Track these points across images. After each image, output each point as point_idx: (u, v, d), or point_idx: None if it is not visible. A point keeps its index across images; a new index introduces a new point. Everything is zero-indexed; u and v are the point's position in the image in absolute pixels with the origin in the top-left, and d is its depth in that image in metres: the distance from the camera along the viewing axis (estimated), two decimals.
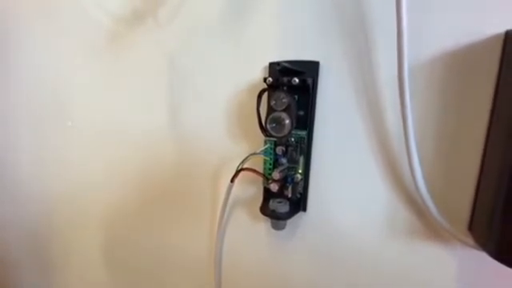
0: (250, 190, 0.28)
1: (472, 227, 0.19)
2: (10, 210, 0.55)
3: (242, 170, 0.25)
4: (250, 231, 0.28)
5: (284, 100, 0.21)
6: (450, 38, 0.19)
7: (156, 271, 0.37)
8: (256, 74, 0.25)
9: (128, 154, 0.34)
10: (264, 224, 0.27)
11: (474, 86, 0.18)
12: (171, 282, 0.35)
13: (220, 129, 0.27)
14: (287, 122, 0.21)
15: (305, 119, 0.23)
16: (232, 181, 0.26)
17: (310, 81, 0.22)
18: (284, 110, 0.21)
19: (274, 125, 0.21)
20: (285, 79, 0.21)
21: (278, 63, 0.22)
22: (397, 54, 0.18)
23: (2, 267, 0.66)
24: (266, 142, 0.24)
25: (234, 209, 0.29)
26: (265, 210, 0.25)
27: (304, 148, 0.24)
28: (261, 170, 0.25)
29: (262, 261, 0.28)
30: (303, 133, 0.23)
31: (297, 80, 0.21)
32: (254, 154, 0.25)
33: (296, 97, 0.23)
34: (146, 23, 0.30)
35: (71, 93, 0.38)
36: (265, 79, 0.22)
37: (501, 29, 0.17)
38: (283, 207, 0.24)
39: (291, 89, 0.22)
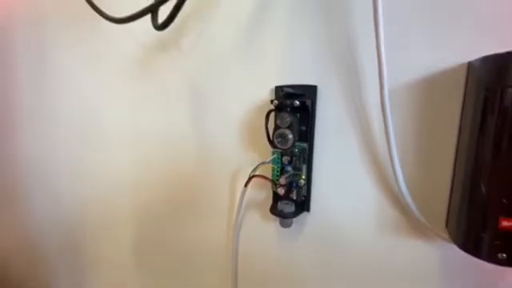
0: (261, 193, 0.32)
1: (447, 224, 0.23)
2: (49, 211, 0.63)
3: (253, 176, 0.30)
4: (261, 229, 0.33)
5: (287, 119, 0.25)
6: (422, 67, 0.23)
7: (180, 264, 0.41)
8: (264, 94, 0.30)
9: (153, 162, 0.39)
10: (273, 223, 0.32)
11: (445, 106, 0.22)
12: (194, 273, 0.40)
13: (234, 141, 0.32)
14: (290, 136, 0.25)
15: (306, 133, 0.27)
16: (245, 186, 0.30)
17: (309, 102, 0.26)
18: (288, 127, 0.25)
19: (279, 139, 0.26)
20: (288, 101, 0.26)
21: (281, 88, 0.26)
22: (378, 81, 0.22)
23: (40, 258, 0.73)
24: (273, 153, 0.29)
25: (248, 210, 0.33)
26: (274, 210, 0.29)
27: (306, 157, 0.28)
28: (270, 177, 0.29)
29: (272, 254, 0.32)
30: (305, 145, 0.27)
31: (298, 102, 0.25)
32: (264, 163, 0.29)
33: (298, 115, 0.27)
34: (170, 50, 0.36)
35: (104, 108, 0.44)
36: (271, 101, 0.27)
37: (464, 60, 0.21)
38: (289, 208, 0.28)
39: (293, 109, 0.26)
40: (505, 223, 0.18)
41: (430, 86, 0.22)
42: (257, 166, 0.29)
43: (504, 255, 0.18)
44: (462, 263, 0.23)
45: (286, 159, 0.28)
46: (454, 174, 0.22)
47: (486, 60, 0.18)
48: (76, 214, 0.58)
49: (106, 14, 0.32)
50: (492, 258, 0.18)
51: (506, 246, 0.18)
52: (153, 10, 0.27)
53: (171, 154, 0.38)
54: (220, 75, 0.32)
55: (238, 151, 0.32)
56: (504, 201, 0.17)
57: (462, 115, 0.22)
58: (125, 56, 0.40)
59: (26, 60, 0.60)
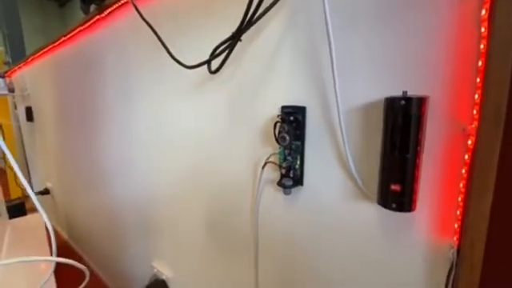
0: (273, 173, 0.50)
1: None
2: (127, 193, 0.88)
3: (267, 162, 0.47)
4: (273, 196, 0.50)
5: (286, 128, 0.42)
6: (366, 95, 0.38)
7: (216, 224, 0.61)
8: (276, 111, 0.47)
9: (200, 154, 0.60)
10: (280, 193, 0.49)
11: (377, 122, 0.37)
12: (226, 230, 0.60)
13: (257, 140, 0.50)
14: (287, 138, 0.42)
15: (299, 136, 0.44)
16: (262, 168, 0.48)
17: (300, 117, 0.43)
18: (286, 132, 0.42)
19: (281, 139, 0.43)
20: (286, 117, 0.43)
21: (283, 107, 0.44)
22: (335, 102, 0.38)
23: (120, 233, 1.00)
24: (279, 148, 0.46)
25: (265, 185, 0.51)
26: (279, 183, 0.46)
27: (300, 151, 0.45)
28: (277, 162, 0.47)
29: (279, 213, 0.50)
30: (299, 143, 0.44)
31: (292, 117, 0.42)
32: (274, 153, 0.47)
33: (294, 124, 0.44)
34: (215, 79, 0.55)
35: (168, 118, 0.66)
36: (278, 116, 0.44)
37: (392, 93, 0.36)
38: (288, 182, 0.45)
39: (290, 121, 0.43)
40: (393, 187, 0.33)
41: (368, 108, 0.38)
42: (269, 156, 0.47)
43: (394, 205, 0.33)
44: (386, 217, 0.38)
45: (287, 151, 0.45)
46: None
47: (386, 99, 0.34)
48: (147, 198, 0.82)
49: (180, 61, 0.52)
50: (390, 207, 0.34)
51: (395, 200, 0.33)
52: (208, 62, 0.46)
53: (217, 150, 0.57)
54: (247, 97, 0.51)
55: (258, 146, 0.50)
56: (392, 174, 0.33)
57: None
58: (185, 81, 0.61)
59: (115, 82, 0.86)
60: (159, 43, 0.57)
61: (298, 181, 0.46)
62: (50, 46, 1.23)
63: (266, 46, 0.47)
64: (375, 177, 0.37)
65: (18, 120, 1.96)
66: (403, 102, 0.31)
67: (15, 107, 1.94)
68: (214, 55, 0.45)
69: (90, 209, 1.26)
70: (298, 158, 0.45)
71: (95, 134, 1.06)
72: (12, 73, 1.86)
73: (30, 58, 1.49)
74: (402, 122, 0.31)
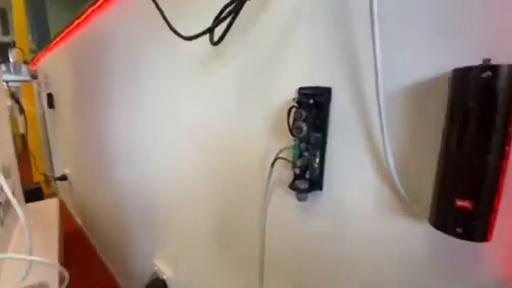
0: (284, 173, 0.40)
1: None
2: (134, 183, 0.82)
3: (277, 158, 0.37)
4: (284, 202, 0.41)
5: (304, 115, 0.32)
6: (420, 68, 0.27)
7: (222, 227, 0.53)
8: (291, 94, 0.37)
9: (208, 143, 0.51)
10: (293, 198, 0.39)
11: (434, 108, 0.26)
12: (231, 238, 0.51)
13: (266, 130, 0.40)
14: (305, 128, 0.32)
15: (320, 126, 0.34)
16: (272, 165, 0.39)
17: (323, 102, 0.32)
18: (304, 121, 0.32)
19: (296, 130, 0.33)
20: (304, 100, 0.32)
21: (302, 89, 0.33)
22: (374, 83, 0.27)
23: (124, 223, 0.95)
24: (294, 140, 0.36)
25: (275, 186, 0.42)
26: (292, 186, 0.36)
27: (319, 145, 0.34)
28: (290, 159, 0.37)
29: (290, 223, 0.40)
30: (319, 135, 0.34)
31: (312, 101, 0.32)
32: (286, 148, 0.37)
33: (315, 111, 0.34)
34: (219, 55, 0.46)
35: (178, 102, 0.57)
36: (293, 99, 0.34)
37: (462, 63, 0.25)
38: (303, 185, 0.35)
39: (309, 106, 0.33)
40: (460, 203, 0.22)
41: (422, 87, 0.27)
42: (280, 151, 0.37)
43: (459, 229, 0.22)
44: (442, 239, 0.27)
45: (303, 146, 0.35)
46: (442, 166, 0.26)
47: (455, 71, 0.22)
48: (154, 190, 0.75)
49: (178, 33, 0.43)
50: (452, 232, 0.23)
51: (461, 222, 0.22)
52: (210, 31, 0.37)
53: (222, 141, 0.48)
54: (258, 78, 0.41)
55: (269, 137, 0.40)
56: (459, 184, 0.22)
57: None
58: (190, 63, 0.52)
59: (124, 68, 0.80)
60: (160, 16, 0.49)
61: (317, 184, 0.36)
62: (67, 31, 1.20)
63: (280, 10, 0.37)
64: (428, 186, 0.26)
65: (42, 107, 2.01)
66: (488, 73, 0.20)
67: (39, 94, 1.98)
68: (217, 21, 0.36)
69: (100, 197, 1.24)
70: (318, 154, 0.35)
71: (104, 118, 1.02)
72: (37, 60, 1.90)
73: (52, 44, 1.49)
74: (483, 103, 0.20)
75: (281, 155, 0.37)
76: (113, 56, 0.87)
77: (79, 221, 1.70)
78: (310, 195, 0.36)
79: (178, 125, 0.60)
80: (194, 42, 0.44)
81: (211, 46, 0.44)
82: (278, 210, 0.42)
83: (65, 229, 1.37)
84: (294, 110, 0.34)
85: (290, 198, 0.39)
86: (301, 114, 0.32)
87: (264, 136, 0.41)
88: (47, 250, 0.85)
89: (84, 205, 1.57)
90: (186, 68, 0.54)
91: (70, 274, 0.55)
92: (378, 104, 0.27)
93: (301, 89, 0.35)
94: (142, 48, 0.69)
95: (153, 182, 0.75)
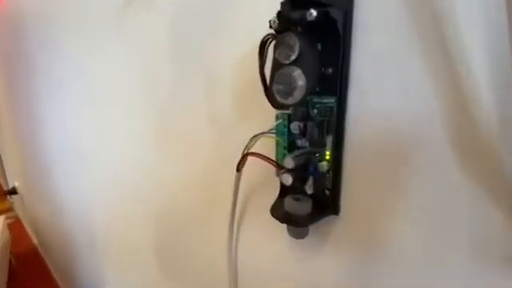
0: (265, 182, 0.21)
1: None
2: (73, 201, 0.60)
3: (247, 154, 0.19)
4: (266, 237, 0.22)
5: (293, 45, 0.13)
6: None
7: (182, 267, 0.33)
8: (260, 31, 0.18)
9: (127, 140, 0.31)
10: (283, 232, 0.21)
11: None
12: (192, 277, 0.32)
13: (224, 104, 0.21)
14: (299, 80, 0.14)
15: (333, 79, 0.15)
16: (238, 170, 0.20)
17: (337, 14, 0.14)
18: (294, 63, 0.14)
19: (280, 87, 0.14)
20: (296, 14, 0.14)
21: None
22: None
23: (69, 243, 0.75)
24: (277, 117, 0.17)
25: (248, 207, 0.23)
26: (277, 210, 0.18)
27: (333, 124, 0.16)
28: (273, 156, 0.18)
29: (280, 277, 0.21)
30: (331, 100, 0.15)
31: (314, 13, 0.13)
32: (262, 133, 0.18)
33: (319, 45, 0.15)
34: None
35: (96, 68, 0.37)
36: (270, 22, 0.15)
37: None
38: (302, 207, 0.17)
39: (308, 30, 0.14)
40: None
41: None
42: (252, 139, 0.18)
43: None
44: None
45: (296, 126, 0.16)
46: None
47: None
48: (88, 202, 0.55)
49: None
50: None
51: None
52: None
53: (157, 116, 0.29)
54: (204, 12, 0.22)
55: (229, 117, 0.21)
56: None
57: None
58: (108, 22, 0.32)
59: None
60: None
61: (326, 203, 0.17)
62: None
63: None
64: None
65: None
66: None
67: None
68: None
69: (49, 213, 1.01)
70: (329, 143, 0.16)
71: (34, 118, 0.79)
72: None
73: None
74: None
75: (253, 149, 0.18)
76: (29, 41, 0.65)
77: (35, 240, 1.45)
78: (314, 227, 0.18)
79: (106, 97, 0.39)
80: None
81: None
82: (254, 250, 0.23)
83: (18, 249, 1.14)
84: (271, 44, 0.15)
85: (276, 231, 0.21)
86: (288, 47, 0.14)
87: (222, 114, 0.22)
88: None
89: (37, 222, 1.32)
90: (105, 30, 0.34)
91: None
92: None
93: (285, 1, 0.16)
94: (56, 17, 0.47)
95: (89, 194, 0.55)
